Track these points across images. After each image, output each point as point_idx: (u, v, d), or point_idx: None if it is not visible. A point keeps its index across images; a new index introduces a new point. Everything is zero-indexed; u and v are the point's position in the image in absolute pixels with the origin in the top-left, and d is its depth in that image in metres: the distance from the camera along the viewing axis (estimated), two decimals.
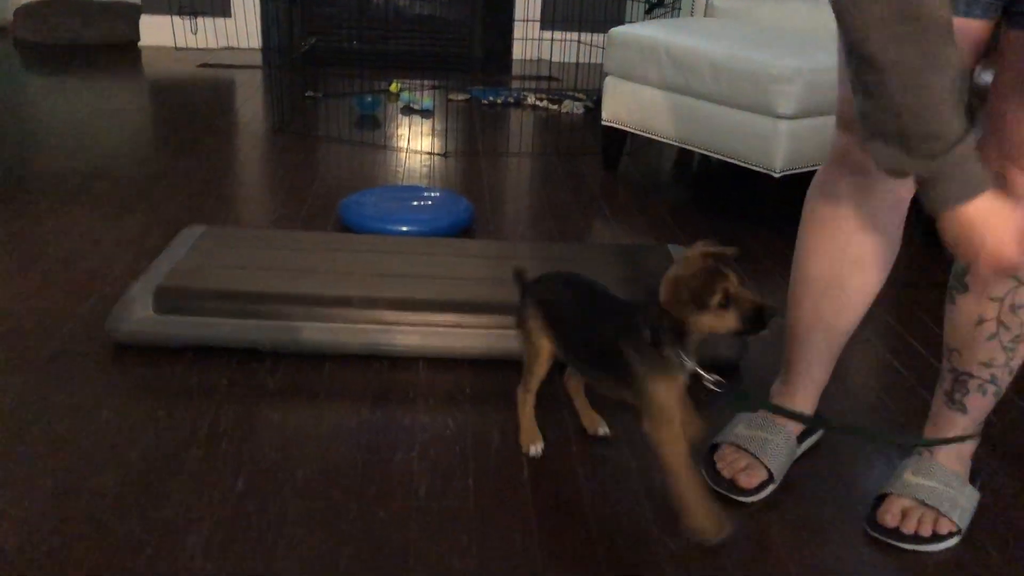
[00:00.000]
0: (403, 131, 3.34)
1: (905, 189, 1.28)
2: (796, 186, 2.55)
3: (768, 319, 1.13)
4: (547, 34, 4.74)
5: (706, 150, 2.62)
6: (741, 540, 1.26)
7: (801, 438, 1.45)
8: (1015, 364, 1.27)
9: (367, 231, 2.21)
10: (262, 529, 1.23)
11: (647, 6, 4.24)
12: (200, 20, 4.68)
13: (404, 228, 2.22)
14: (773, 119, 2.40)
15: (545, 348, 1.37)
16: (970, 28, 1.16)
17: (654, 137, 2.77)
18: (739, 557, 1.23)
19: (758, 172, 2.49)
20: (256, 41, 4.75)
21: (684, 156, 3.26)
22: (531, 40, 4.78)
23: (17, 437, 1.40)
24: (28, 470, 1.32)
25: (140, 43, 4.69)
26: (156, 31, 4.68)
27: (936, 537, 1.27)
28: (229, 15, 4.69)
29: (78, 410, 1.48)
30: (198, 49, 4.67)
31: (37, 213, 2.30)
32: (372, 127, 3.38)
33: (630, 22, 3.07)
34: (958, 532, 1.29)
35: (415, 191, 2.48)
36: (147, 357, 1.64)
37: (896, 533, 1.27)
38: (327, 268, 1.80)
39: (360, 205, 2.31)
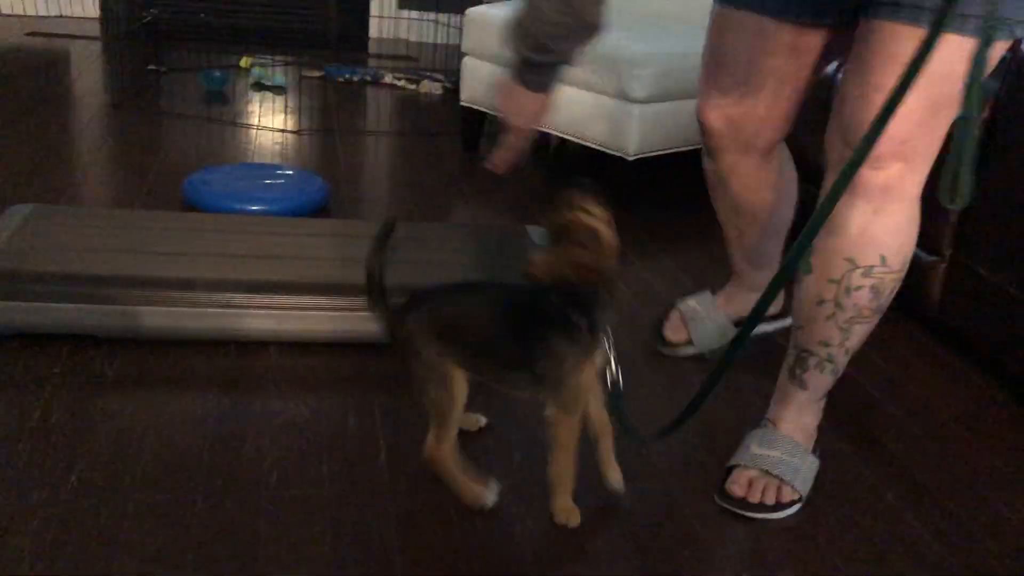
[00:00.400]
0: (254, 108, 3.21)
1: (769, 142, 1.49)
2: (651, 169, 2.61)
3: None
4: (405, 13, 4.67)
5: (562, 133, 2.64)
6: (596, 515, 1.27)
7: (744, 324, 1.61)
8: (851, 345, 1.33)
9: (214, 211, 2.11)
10: (99, 526, 1.15)
11: None
12: None
13: (254, 207, 2.14)
14: (627, 103, 2.44)
15: (457, 377, 1.21)
16: (811, 33, 1.35)
17: None
18: (595, 531, 1.24)
19: (613, 155, 2.53)
20: (92, 10, 4.46)
21: (543, 138, 3.28)
22: (388, 19, 4.69)
23: None
24: None
25: None
26: None
27: (779, 505, 1.32)
28: None
29: None
30: (26, 16, 4.35)
31: None
32: (220, 103, 3.23)
33: (488, 3, 3.06)
34: (799, 500, 1.34)
35: (266, 169, 2.39)
36: None
37: (743, 503, 1.32)
38: (170, 249, 1.71)
39: (206, 183, 2.21)
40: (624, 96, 2.43)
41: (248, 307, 1.60)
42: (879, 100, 1.14)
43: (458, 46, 2.95)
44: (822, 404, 1.41)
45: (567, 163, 3.00)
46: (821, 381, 1.37)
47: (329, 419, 1.43)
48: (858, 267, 1.26)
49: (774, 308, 1.72)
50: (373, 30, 4.72)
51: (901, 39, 1.15)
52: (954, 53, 1.13)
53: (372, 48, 4.56)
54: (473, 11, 2.82)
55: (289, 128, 3.00)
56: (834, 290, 1.28)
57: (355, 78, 3.80)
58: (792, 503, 1.33)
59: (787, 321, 1.70)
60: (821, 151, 1.32)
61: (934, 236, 1.89)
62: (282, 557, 1.13)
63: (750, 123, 1.45)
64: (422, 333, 1.20)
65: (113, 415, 1.38)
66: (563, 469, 1.24)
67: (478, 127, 2.96)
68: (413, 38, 4.72)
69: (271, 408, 1.44)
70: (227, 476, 1.27)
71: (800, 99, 1.45)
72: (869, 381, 1.75)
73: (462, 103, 2.90)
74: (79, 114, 2.92)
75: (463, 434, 1.38)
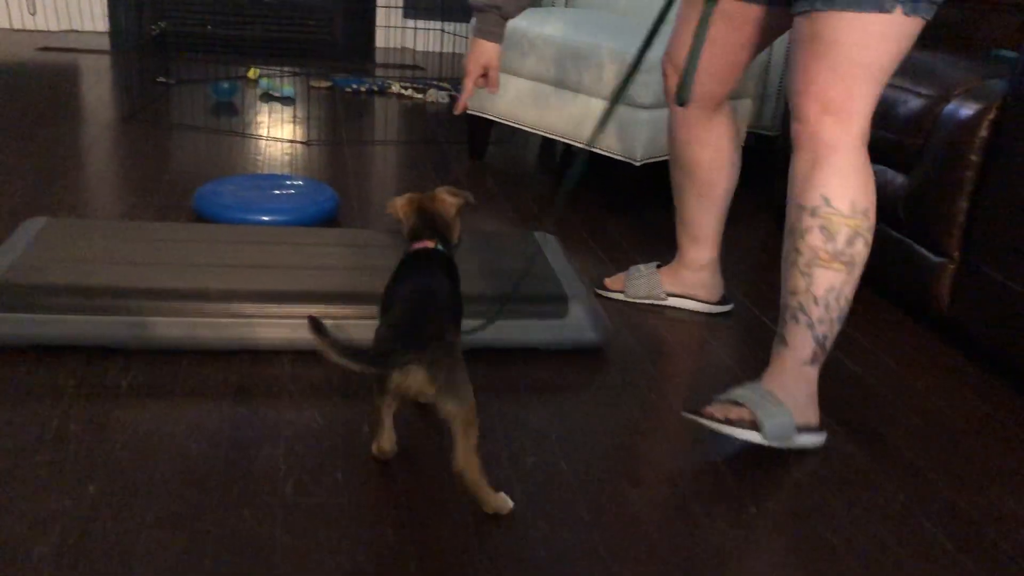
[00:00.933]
0: (262, 119, 3.24)
1: (710, 95, 1.75)
2: (659, 174, 2.62)
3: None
4: (410, 22, 4.70)
5: (569, 140, 2.65)
6: (609, 519, 1.28)
7: (677, 297, 1.99)
8: (818, 292, 1.43)
9: (225, 221, 2.13)
10: (117, 535, 1.16)
11: None
12: (39, 1, 4.39)
13: (265, 218, 2.15)
14: (634, 108, 2.45)
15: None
16: (749, 8, 1.62)
17: (519, 126, 2.78)
18: (607, 534, 1.25)
19: (619, 160, 2.54)
20: (102, 24, 4.50)
21: (548, 144, 3.29)
22: (394, 28, 4.72)
23: None
24: None
25: None
26: None
27: (740, 422, 1.42)
28: None
29: None
30: (37, 31, 4.39)
31: None
32: (229, 114, 3.26)
33: None
34: (758, 428, 1.42)
35: (276, 180, 2.41)
36: None
37: (710, 416, 1.44)
38: (182, 260, 1.72)
39: (217, 195, 2.22)
40: (631, 102, 2.44)
41: (260, 317, 1.61)
42: (798, 78, 1.43)
43: (463, 55, 2.96)
44: (809, 373, 1.48)
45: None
46: (799, 334, 1.46)
47: (343, 427, 1.44)
48: (805, 208, 1.43)
49: (715, 295, 1.97)
50: (379, 40, 4.75)
51: (804, 24, 1.42)
52: (843, 26, 1.37)
53: (379, 58, 4.59)
54: None
55: (298, 138, 3.02)
56: (794, 238, 1.45)
57: (362, 88, 3.82)
58: (751, 425, 1.42)
59: (728, 307, 1.99)
60: None
61: (942, 237, 1.89)
62: (298, 565, 1.14)
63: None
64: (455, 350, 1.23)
65: (129, 425, 1.39)
66: None
67: (484, 135, 2.97)
68: (419, 47, 4.75)
69: (285, 417, 1.45)
70: (242, 485, 1.28)
71: (739, 63, 1.71)
72: (879, 383, 1.75)
73: (468, 111, 2.91)
74: (90, 127, 2.94)
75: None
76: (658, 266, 2.02)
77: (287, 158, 2.79)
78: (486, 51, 1.77)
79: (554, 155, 3.17)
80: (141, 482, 1.27)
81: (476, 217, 2.45)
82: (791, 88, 1.46)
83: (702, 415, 1.44)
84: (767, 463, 1.46)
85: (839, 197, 1.41)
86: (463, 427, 1.21)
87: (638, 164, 2.50)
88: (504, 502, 1.27)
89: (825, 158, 1.41)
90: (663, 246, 2.31)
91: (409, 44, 4.78)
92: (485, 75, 1.80)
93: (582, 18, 2.83)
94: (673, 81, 1.78)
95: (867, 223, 1.42)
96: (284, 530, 1.20)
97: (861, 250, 1.43)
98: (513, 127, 2.82)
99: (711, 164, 1.83)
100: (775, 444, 1.44)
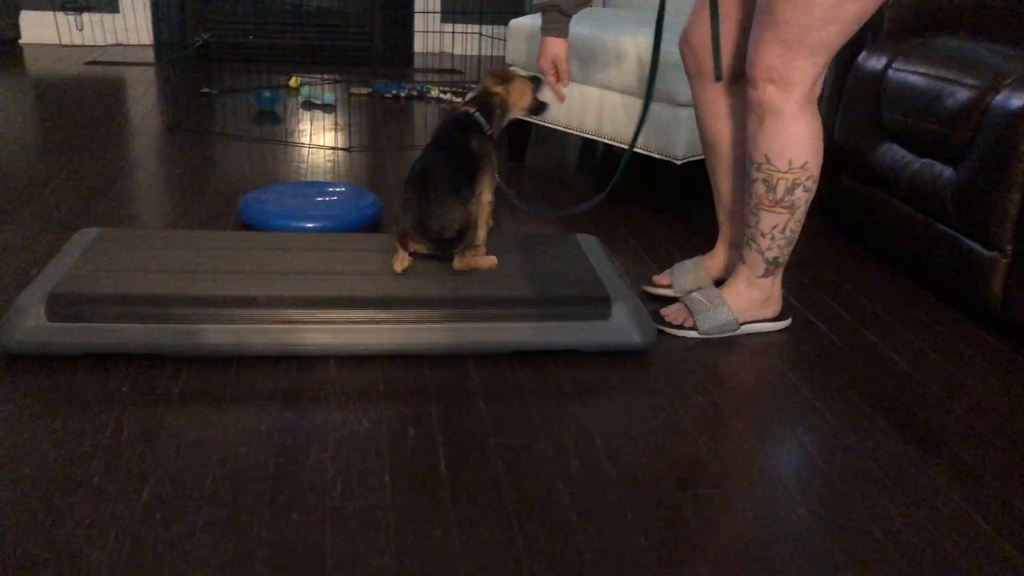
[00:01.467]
0: (304, 126, 3.27)
1: (732, 82, 1.82)
2: (697, 172, 2.60)
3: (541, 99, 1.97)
4: (448, 27, 4.72)
5: (610, 140, 2.64)
6: (660, 524, 1.27)
7: (719, 283, 2.00)
8: (764, 229, 1.74)
9: (270, 229, 2.16)
10: (170, 539, 1.18)
11: None
12: (86, 16, 4.49)
13: (309, 225, 2.18)
14: (674, 107, 2.44)
15: None
16: None
17: (558, 127, 2.78)
18: (657, 537, 1.24)
19: (660, 160, 2.52)
20: (146, 37, 4.59)
21: (589, 144, 3.29)
22: (432, 33, 4.75)
23: None
24: None
25: (21, 40, 4.48)
26: (39, 27, 4.48)
27: (681, 327, 1.83)
28: (117, 11, 4.53)
29: None
30: (85, 46, 4.48)
31: None
32: (272, 123, 3.30)
33: (530, 13, 3.09)
34: (694, 329, 1.82)
35: (319, 187, 2.43)
36: (40, 367, 1.56)
37: (663, 320, 1.84)
38: (229, 268, 1.75)
39: (262, 202, 2.25)
40: (670, 100, 2.43)
41: (307, 322, 1.63)
42: (751, 46, 1.61)
43: (502, 57, 2.97)
44: (763, 283, 1.81)
45: (612, 169, 3.00)
46: (750, 257, 1.80)
47: (389, 430, 1.45)
48: (753, 163, 1.70)
49: (772, 311, 1.88)
50: (418, 45, 4.78)
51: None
52: (790, 6, 1.53)
53: (417, 63, 4.62)
54: (516, 22, 2.84)
55: (339, 145, 3.05)
56: (747, 184, 1.73)
57: (402, 93, 3.85)
58: (690, 329, 1.83)
59: (786, 322, 1.91)
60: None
61: (994, 231, 1.85)
62: (347, 568, 1.16)
63: (702, 48, 1.83)
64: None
65: (180, 431, 1.42)
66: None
67: (525, 137, 2.97)
68: (458, 51, 4.77)
69: (332, 420, 1.47)
70: (291, 489, 1.30)
71: (745, 37, 1.78)
72: (930, 380, 1.72)
73: None
74: (137, 139, 3.00)
75: (507, 427, 1.38)
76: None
77: (329, 165, 2.82)
78: (553, 46, 1.94)
79: (595, 155, 3.16)
80: (192, 486, 1.29)
81: (517, 220, 2.46)
82: (747, 55, 1.65)
83: (663, 321, 1.84)
84: (815, 461, 1.44)
85: (777, 156, 1.66)
86: (466, 250, 1.79)
87: (679, 163, 2.48)
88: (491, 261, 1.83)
89: (768, 121, 1.64)
90: (706, 245, 2.30)
91: (447, 48, 4.80)
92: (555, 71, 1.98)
93: (613, 16, 2.82)
94: (691, 61, 1.87)
95: (805, 174, 1.67)
96: (332, 533, 1.21)
97: (800, 195, 1.69)
98: (553, 128, 2.81)
99: (734, 137, 1.87)
100: (710, 336, 1.82)
